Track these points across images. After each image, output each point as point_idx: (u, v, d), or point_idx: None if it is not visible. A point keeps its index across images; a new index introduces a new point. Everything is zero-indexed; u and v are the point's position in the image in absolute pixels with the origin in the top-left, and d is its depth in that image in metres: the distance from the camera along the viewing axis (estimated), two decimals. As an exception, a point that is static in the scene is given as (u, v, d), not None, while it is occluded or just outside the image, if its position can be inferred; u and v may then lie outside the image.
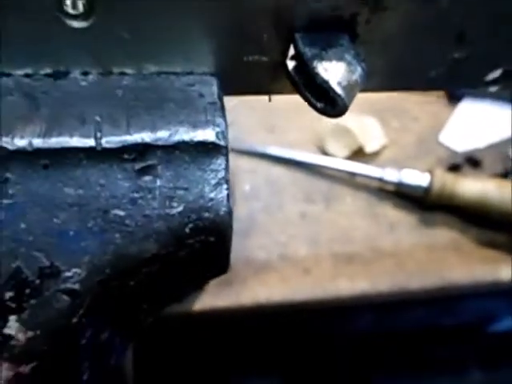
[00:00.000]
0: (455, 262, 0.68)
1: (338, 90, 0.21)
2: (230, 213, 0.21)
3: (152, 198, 0.21)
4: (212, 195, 0.21)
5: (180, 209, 0.21)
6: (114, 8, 0.20)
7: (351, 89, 0.21)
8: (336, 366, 0.80)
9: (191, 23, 0.21)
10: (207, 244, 0.22)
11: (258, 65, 0.23)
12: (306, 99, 0.22)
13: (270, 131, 0.79)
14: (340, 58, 0.21)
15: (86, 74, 0.22)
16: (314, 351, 0.78)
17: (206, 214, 0.21)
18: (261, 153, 0.75)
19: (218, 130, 0.22)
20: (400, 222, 0.72)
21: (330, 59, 0.21)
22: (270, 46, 0.23)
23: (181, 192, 0.21)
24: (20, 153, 0.20)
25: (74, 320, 0.20)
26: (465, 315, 0.78)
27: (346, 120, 0.75)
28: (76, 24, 0.20)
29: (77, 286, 0.20)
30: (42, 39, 0.21)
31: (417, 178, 0.71)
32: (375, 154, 0.77)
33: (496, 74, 0.26)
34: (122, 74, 0.23)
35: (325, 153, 0.76)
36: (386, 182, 0.72)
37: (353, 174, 0.74)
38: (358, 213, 0.71)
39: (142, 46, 0.22)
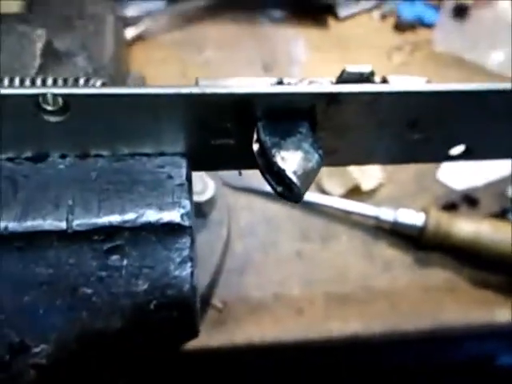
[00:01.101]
0: (450, 304, 0.68)
1: (294, 179, 0.22)
2: (193, 289, 0.23)
3: (119, 276, 0.22)
4: (176, 273, 0.23)
5: (145, 286, 0.22)
6: (88, 107, 0.22)
7: (307, 176, 0.23)
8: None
9: (160, 117, 0.23)
10: (171, 319, 0.23)
11: (225, 146, 0.25)
12: (267, 181, 0.24)
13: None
14: (297, 147, 0.23)
15: (64, 157, 0.24)
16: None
17: (170, 291, 0.22)
18: (258, 190, 0.77)
19: (183, 211, 0.23)
20: (395, 261, 0.72)
21: (287, 148, 0.23)
22: (234, 132, 0.25)
23: (146, 270, 0.22)
24: (-4, 237, 0.22)
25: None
26: (461, 355, 0.77)
27: (343, 159, 0.76)
28: (53, 119, 0.22)
29: (44, 361, 0.21)
30: (23, 130, 0.23)
31: (412, 217, 0.71)
32: (372, 192, 0.78)
33: (459, 149, 0.27)
34: (98, 156, 0.25)
35: (321, 190, 0.77)
36: (382, 221, 0.73)
37: (349, 213, 0.74)
38: (354, 252, 0.72)
39: (115, 134, 0.24)
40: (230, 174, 0.76)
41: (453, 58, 0.98)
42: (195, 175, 0.64)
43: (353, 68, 0.26)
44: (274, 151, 0.23)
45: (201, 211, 0.62)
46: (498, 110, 0.26)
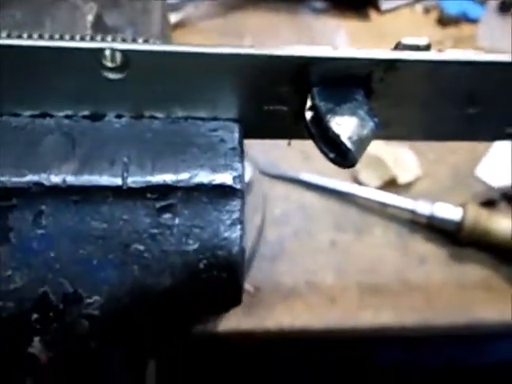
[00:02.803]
0: (485, 302, 0.67)
1: (349, 145, 0.22)
2: (242, 252, 0.23)
3: (170, 234, 0.23)
4: (226, 234, 0.23)
5: (195, 246, 0.23)
6: (147, 65, 0.22)
7: (361, 143, 0.22)
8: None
9: (216, 80, 0.23)
10: (220, 280, 0.23)
11: (277, 113, 0.25)
12: (320, 148, 0.24)
13: (305, 158, 0.80)
14: (353, 113, 0.23)
15: (119, 117, 0.25)
16: (338, 380, 0.77)
17: (220, 252, 0.23)
18: (294, 179, 0.77)
19: (235, 174, 0.23)
20: (430, 256, 0.71)
21: (343, 114, 0.23)
22: (288, 98, 0.24)
23: (197, 230, 0.23)
24: (54, 189, 0.22)
25: (93, 344, 0.22)
26: (494, 356, 0.75)
27: (381, 150, 0.76)
28: (112, 76, 0.22)
29: (96, 312, 0.22)
30: (82, 87, 0.23)
31: (449, 211, 0.70)
32: (408, 186, 0.77)
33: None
34: (153, 117, 0.25)
35: (358, 182, 0.76)
36: (418, 215, 0.72)
37: (384, 205, 0.74)
38: (388, 244, 0.71)
39: (171, 95, 0.24)
40: (267, 162, 0.77)
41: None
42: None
43: (409, 40, 0.25)
44: (328, 117, 0.23)
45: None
46: None
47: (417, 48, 0.25)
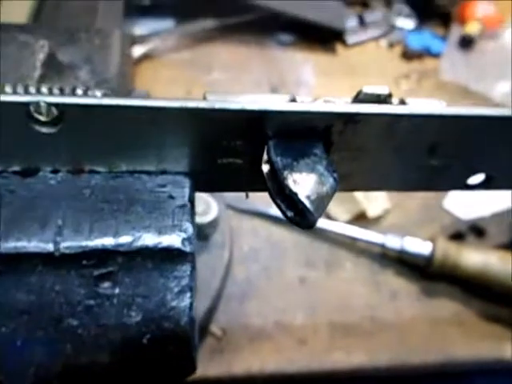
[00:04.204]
0: (458, 337, 0.66)
1: (307, 204, 0.20)
2: (192, 322, 0.20)
3: (109, 305, 0.20)
4: (174, 304, 0.20)
5: (138, 318, 0.20)
6: (83, 118, 0.20)
7: (321, 201, 0.21)
8: None
9: (163, 133, 0.21)
10: (167, 354, 0.21)
11: (232, 166, 0.23)
12: (277, 205, 0.22)
13: (274, 191, 0.78)
14: (311, 170, 0.21)
15: (55, 172, 0.22)
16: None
17: (166, 324, 0.20)
18: (263, 213, 0.75)
19: (184, 235, 0.21)
20: (401, 290, 0.70)
21: (300, 171, 0.21)
22: (243, 151, 0.23)
23: (140, 300, 0.20)
24: (-27, 258, 0.19)
25: None
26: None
27: (350, 184, 0.75)
28: (44, 130, 0.20)
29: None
30: (11, 141, 0.21)
31: (419, 246, 0.69)
32: (378, 219, 0.76)
33: (478, 178, 0.25)
34: (93, 172, 0.23)
35: (327, 216, 0.75)
36: (388, 249, 0.71)
37: (355, 239, 0.73)
38: (359, 280, 0.70)
39: (113, 148, 0.22)
40: (234, 196, 0.75)
41: (459, 88, 0.98)
42: (197, 195, 0.62)
43: (370, 89, 0.24)
44: (285, 173, 0.21)
45: (202, 233, 0.60)
46: None
47: (378, 97, 0.23)
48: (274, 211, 0.74)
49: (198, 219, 0.59)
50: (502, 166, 0.27)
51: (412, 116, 0.22)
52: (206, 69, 0.93)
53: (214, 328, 0.61)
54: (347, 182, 0.24)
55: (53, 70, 0.38)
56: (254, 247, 0.72)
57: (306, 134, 0.22)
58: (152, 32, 0.90)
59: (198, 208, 0.59)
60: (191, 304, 0.20)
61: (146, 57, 0.90)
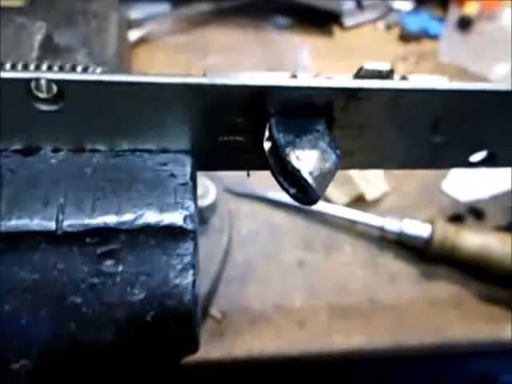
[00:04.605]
0: (456, 319, 0.66)
1: (310, 180, 0.20)
2: (195, 300, 0.20)
3: (112, 283, 0.20)
4: (177, 281, 0.20)
5: (142, 296, 0.20)
6: (85, 95, 0.20)
7: (324, 177, 0.21)
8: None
9: (163, 111, 0.21)
10: (170, 332, 0.21)
11: (233, 144, 0.23)
12: (279, 183, 0.22)
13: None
14: (313, 146, 0.21)
15: (56, 151, 0.22)
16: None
17: (169, 302, 0.20)
18: (261, 197, 0.75)
19: (186, 213, 0.21)
20: (400, 273, 0.70)
21: (303, 147, 0.21)
22: (244, 128, 0.22)
23: (143, 278, 0.20)
24: (-25, 236, 0.19)
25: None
26: (464, 375, 0.75)
27: (348, 167, 0.75)
28: (45, 107, 0.20)
29: (24, 379, 0.19)
30: (12, 119, 0.21)
31: (418, 228, 0.69)
32: (376, 202, 0.76)
33: (480, 155, 0.25)
34: (94, 150, 0.22)
35: (326, 199, 0.75)
36: (387, 232, 0.71)
37: (353, 222, 0.73)
38: (358, 262, 0.70)
39: (114, 127, 0.22)
40: (233, 180, 0.74)
41: (457, 69, 0.98)
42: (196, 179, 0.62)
43: (371, 65, 0.24)
44: (287, 150, 0.21)
45: (201, 217, 0.60)
46: None
47: (379, 74, 0.23)
48: (273, 195, 0.74)
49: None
50: (504, 144, 0.27)
51: (415, 91, 0.22)
52: (202, 52, 0.92)
53: (214, 311, 0.61)
54: (350, 160, 0.24)
55: (50, 52, 0.38)
56: (253, 230, 0.72)
57: (308, 110, 0.22)
58: (148, 16, 0.89)
59: (197, 191, 0.59)
60: (194, 282, 0.20)
61: (142, 41, 0.89)
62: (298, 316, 0.63)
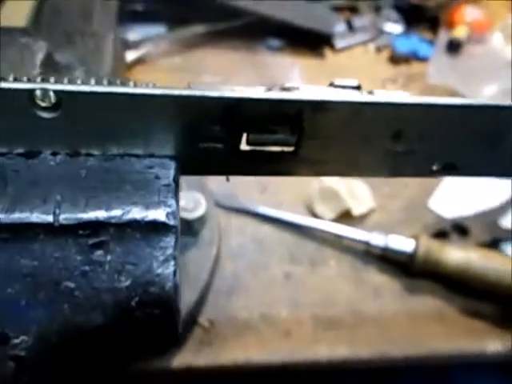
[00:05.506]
0: (439, 332, 0.68)
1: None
2: (175, 288, 0.23)
3: (102, 271, 0.23)
4: (159, 271, 0.23)
5: (127, 283, 0.23)
6: (78, 104, 0.23)
7: None
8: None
9: (149, 119, 0.24)
10: (153, 317, 0.23)
11: (213, 150, 0.26)
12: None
13: (262, 191, 0.81)
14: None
15: (55, 154, 0.25)
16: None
17: (152, 289, 0.23)
18: (250, 211, 0.77)
19: (168, 210, 0.24)
20: (384, 287, 0.71)
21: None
22: (222, 137, 0.25)
23: (129, 267, 0.23)
24: (-17, 227, 0.22)
25: (19, 386, 0.21)
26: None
27: (335, 183, 0.77)
28: (45, 115, 0.23)
29: (23, 353, 0.21)
30: (16, 126, 0.24)
31: (402, 243, 0.71)
32: (363, 218, 0.78)
33: (442, 165, 0.28)
34: (88, 155, 0.25)
35: (313, 214, 0.77)
36: (372, 246, 0.73)
37: (339, 237, 0.74)
38: (343, 276, 0.72)
39: (105, 133, 0.24)
40: (223, 195, 0.77)
41: (446, 92, 0.99)
42: (186, 194, 0.64)
43: (340, 81, 0.26)
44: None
45: (191, 229, 0.63)
46: (480, 128, 0.27)
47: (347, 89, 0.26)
48: (262, 210, 0.77)
49: (188, 215, 0.61)
50: (463, 154, 0.30)
51: (375, 104, 0.25)
52: (196, 73, 0.95)
53: (203, 320, 0.63)
54: (320, 168, 0.26)
55: (50, 69, 0.41)
56: (242, 244, 0.74)
57: (279, 120, 0.24)
58: (145, 37, 0.93)
59: (188, 205, 0.61)
60: (175, 271, 0.23)
61: (139, 61, 0.92)
62: (283, 326, 0.64)
